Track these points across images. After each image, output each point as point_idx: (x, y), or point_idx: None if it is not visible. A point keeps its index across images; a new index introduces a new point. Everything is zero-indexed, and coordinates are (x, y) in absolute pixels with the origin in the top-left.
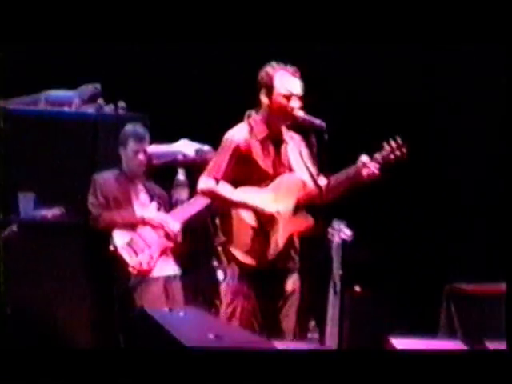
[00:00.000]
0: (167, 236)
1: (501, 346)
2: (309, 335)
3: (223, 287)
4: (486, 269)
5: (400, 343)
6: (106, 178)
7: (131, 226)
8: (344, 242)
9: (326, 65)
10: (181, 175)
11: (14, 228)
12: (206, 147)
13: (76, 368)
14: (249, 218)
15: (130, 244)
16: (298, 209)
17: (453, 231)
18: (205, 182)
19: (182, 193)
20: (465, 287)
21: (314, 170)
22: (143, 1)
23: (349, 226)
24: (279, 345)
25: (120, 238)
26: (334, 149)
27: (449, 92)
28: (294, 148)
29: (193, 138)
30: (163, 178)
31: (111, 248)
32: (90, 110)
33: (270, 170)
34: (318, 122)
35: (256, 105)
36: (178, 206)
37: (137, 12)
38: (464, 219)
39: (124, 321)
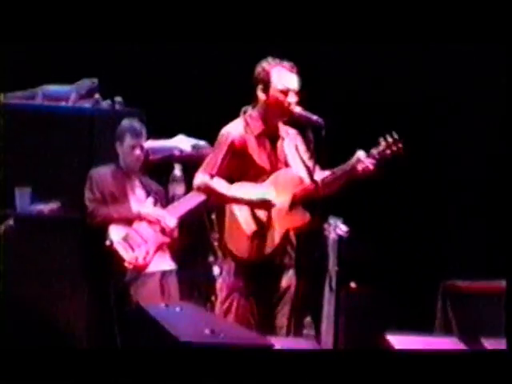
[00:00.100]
0: (163, 231)
1: (497, 343)
2: (304, 331)
3: (219, 283)
4: (483, 266)
5: (396, 340)
6: (102, 173)
7: (127, 221)
8: (340, 238)
9: (325, 61)
10: (177, 171)
11: (11, 223)
12: (203, 143)
13: (72, 366)
14: (245, 213)
15: (126, 239)
16: (294, 204)
17: (450, 228)
18: (201, 178)
19: (179, 188)
20: (461, 284)
21: (310, 165)
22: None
23: (345, 222)
24: (275, 341)
25: (116, 233)
26: (332, 144)
27: (449, 92)
28: (291, 143)
29: (189, 134)
30: (160, 174)
31: (107, 243)
32: (86, 104)
33: (266, 166)
34: (315, 117)
35: (252, 101)
36: (174, 202)
37: (134, 10)
38: (461, 216)
39: (120, 316)
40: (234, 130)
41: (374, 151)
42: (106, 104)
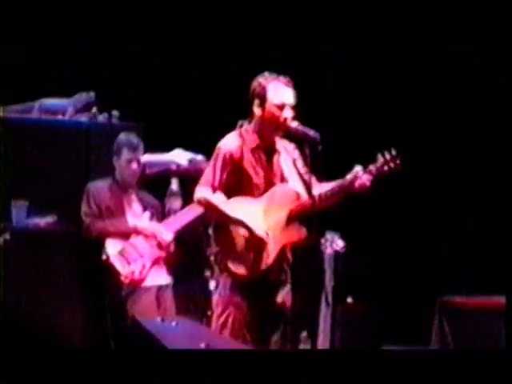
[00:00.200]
0: (159, 246)
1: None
2: (300, 346)
3: (215, 297)
4: (480, 282)
5: None
6: (99, 187)
7: (124, 235)
8: (337, 253)
9: (323, 73)
10: (174, 185)
11: (7, 236)
12: (200, 157)
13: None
14: (241, 228)
15: (122, 253)
16: (290, 220)
17: (446, 243)
18: (201, 191)
19: (175, 202)
20: (457, 300)
21: (307, 180)
22: (138, 11)
23: (342, 237)
24: None
25: (112, 247)
26: (328, 158)
27: (449, 92)
28: (288, 158)
29: (186, 148)
30: (156, 188)
31: (103, 257)
32: (83, 118)
33: (261, 179)
34: (311, 132)
35: (248, 116)
36: (170, 216)
37: (132, 28)
38: (458, 232)
39: (116, 330)
40: (229, 142)
41: (372, 167)
42: (102, 118)
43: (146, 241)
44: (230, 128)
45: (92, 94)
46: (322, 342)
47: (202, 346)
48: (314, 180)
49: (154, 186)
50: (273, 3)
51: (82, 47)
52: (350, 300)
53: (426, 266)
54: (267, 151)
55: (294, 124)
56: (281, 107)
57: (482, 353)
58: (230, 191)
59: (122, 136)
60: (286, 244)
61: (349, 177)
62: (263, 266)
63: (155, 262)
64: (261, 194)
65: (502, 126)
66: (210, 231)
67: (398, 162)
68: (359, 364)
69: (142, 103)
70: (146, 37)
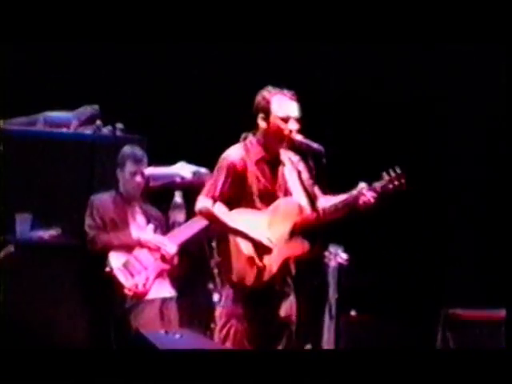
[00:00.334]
0: (163, 258)
1: None
2: None
3: (218, 309)
4: (483, 295)
5: None
6: (103, 199)
7: (128, 247)
8: (340, 266)
9: (325, 61)
10: (178, 197)
11: (11, 249)
12: (204, 170)
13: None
14: (244, 241)
15: (126, 266)
16: (294, 233)
17: (449, 256)
18: (203, 202)
19: (179, 215)
20: (460, 313)
21: (312, 193)
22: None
23: (345, 250)
24: None
25: (116, 260)
26: (333, 172)
27: (449, 92)
28: (292, 170)
29: (190, 161)
30: (160, 200)
31: (107, 270)
32: (87, 131)
33: (265, 191)
34: (315, 145)
35: (253, 129)
36: (174, 229)
37: (138, 36)
38: (461, 245)
39: (120, 343)
40: (233, 153)
41: (377, 185)
42: (107, 130)
43: (149, 253)
44: (234, 141)
45: (96, 106)
46: None
47: None
48: (318, 192)
49: (158, 198)
50: (273, 3)
51: (87, 60)
52: (353, 313)
53: (429, 278)
54: (271, 163)
55: (299, 137)
56: (285, 120)
57: (482, 353)
58: (232, 202)
59: (126, 148)
60: (289, 257)
61: (353, 193)
62: (266, 277)
63: (159, 275)
64: (263, 206)
65: (501, 125)
66: (214, 243)
67: (402, 180)
68: (359, 364)
69: (146, 116)
70: (150, 49)
